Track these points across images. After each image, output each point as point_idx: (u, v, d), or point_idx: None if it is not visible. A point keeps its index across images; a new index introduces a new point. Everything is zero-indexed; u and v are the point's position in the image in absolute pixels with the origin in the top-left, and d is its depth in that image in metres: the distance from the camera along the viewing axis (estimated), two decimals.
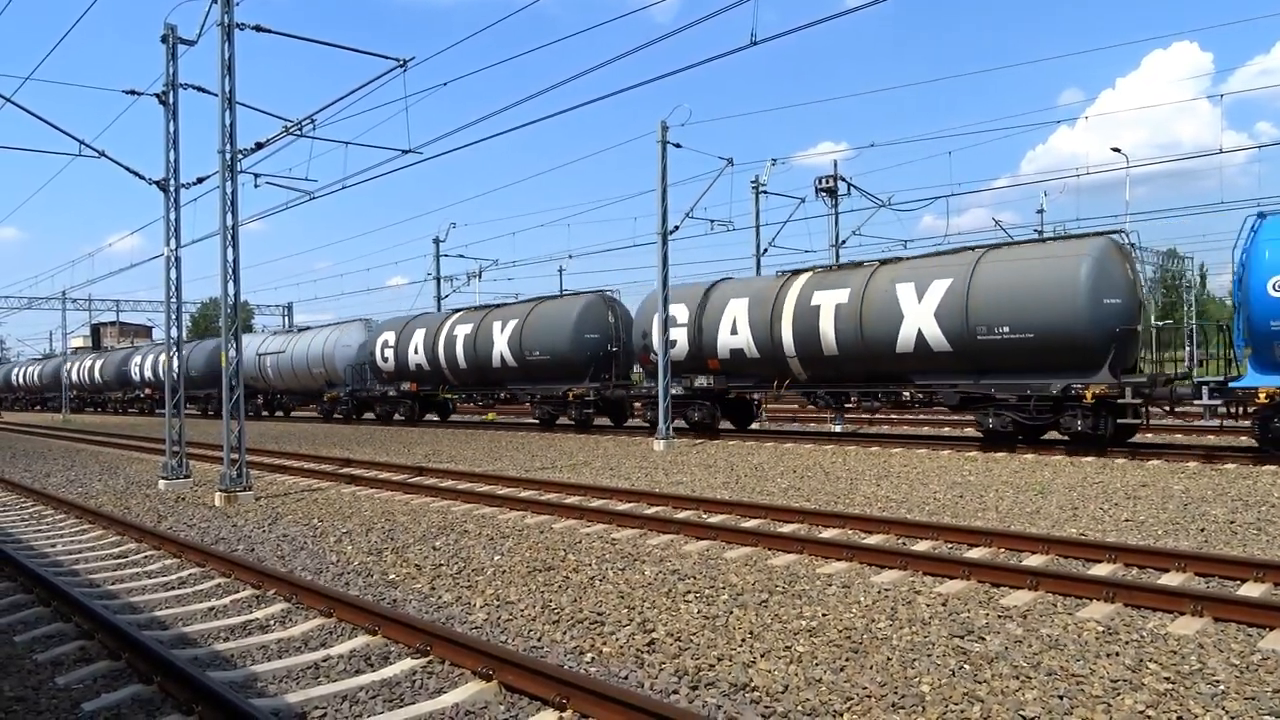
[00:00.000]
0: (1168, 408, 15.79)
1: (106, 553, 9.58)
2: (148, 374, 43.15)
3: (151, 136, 17.70)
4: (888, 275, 17.68)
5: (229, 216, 13.07)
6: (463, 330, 26.96)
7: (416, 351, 28.51)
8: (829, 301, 18.25)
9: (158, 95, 14.56)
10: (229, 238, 13.07)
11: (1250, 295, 13.44)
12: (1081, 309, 14.86)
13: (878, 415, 21.03)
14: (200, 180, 16.33)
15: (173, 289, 15.15)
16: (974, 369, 16.41)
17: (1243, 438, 15.96)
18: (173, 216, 14.91)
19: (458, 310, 29.30)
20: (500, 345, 25.58)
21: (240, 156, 13.84)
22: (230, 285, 13.16)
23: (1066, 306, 14.95)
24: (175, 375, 15.60)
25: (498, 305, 27.67)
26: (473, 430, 26.87)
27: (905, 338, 16.92)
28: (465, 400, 29.18)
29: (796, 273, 19.95)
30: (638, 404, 23.03)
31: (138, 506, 12.87)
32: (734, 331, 20.05)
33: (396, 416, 30.67)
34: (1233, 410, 14.35)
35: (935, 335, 16.48)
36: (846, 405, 19.41)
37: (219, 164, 13.15)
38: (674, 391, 21.11)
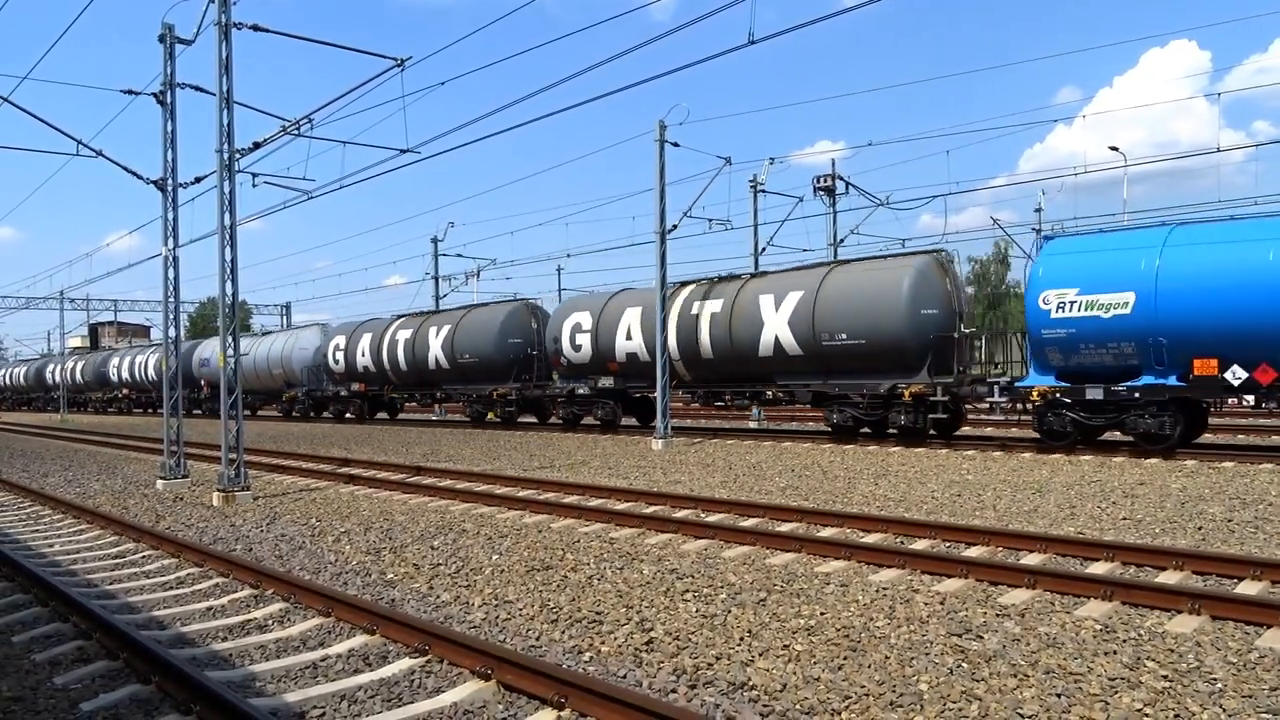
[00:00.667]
0: (986, 404, 17.92)
1: (105, 553, 9.58)
2: (125, 375, 45.15)
3: (149, 136, 17.69)
4: (754, 288, 19.97)
5: (227, 216, 13.06)
6: (404, 335, 29.00)
7: (364, 354, 30.62)
8: (706, 311, 20.55)
9: (155, 95, 14.55)
10: (227, 237, 13.06)
11: (1027, 307, 15.83)
12: (903, 318, 17.08)
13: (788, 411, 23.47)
14: (198, 180, 16.33)
15: (171, 289, 15.14)
16: (822, 371, 18.68)
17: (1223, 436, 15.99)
18: (171, 216, 14.90)
19: (400, 316, 31.06)
20: (435, 349, 27.63)
21: (238, 156, 13.83)
22: (228, 285, 13.15)
23: (891, 316, 17.20)
24: (173, 375, 15.58)
25: (435, 312, 29.92)
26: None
27: (766, 343, 19.23)
28: (409, 399, 31.16)
29: (683, 285, 21.90)
30: (558, 402, 25.04)
31: (136, 506, 12.86)
32: (629, 337, 22.11)
33: (348, 415, 32.82)
34: (1017, 406, 16.75)
35: (790, 341, 18.72)
36: (719, 403, 21.76)
37: (217, 163, 13.14)
38: (581, 391, 23.63)
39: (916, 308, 17.03)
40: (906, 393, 17.16)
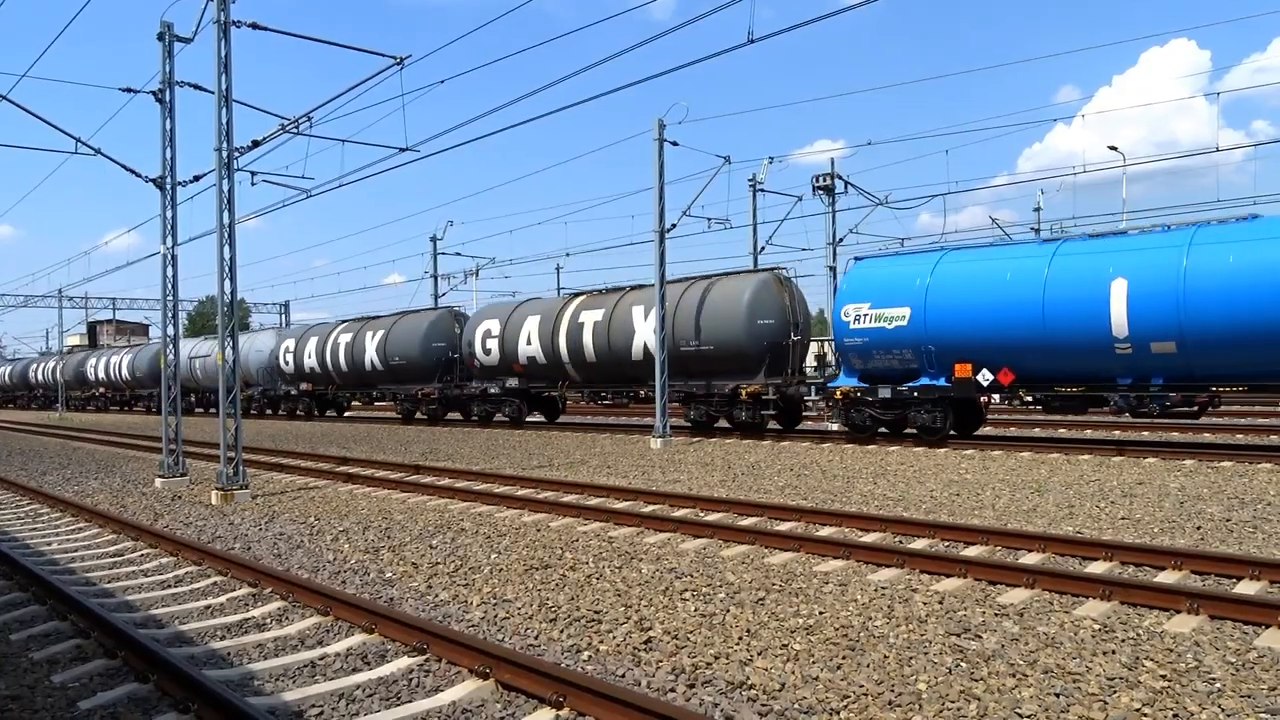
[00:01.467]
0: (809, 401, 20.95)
1: (103, 551, 9.57)
2: (100, 375, 48.97)
3: (148, 134, 17.69)
4: (629, 299, 22.52)
5: (226, 214, 13.05)
6: (345, 339, 31.55)
7: (310, 357, 33.24)
8: (590, 320, 23.12)
9: (154, 93, 14.53)
10: (226, 235, 13.05)
11: (834, 319, 18.59)
12: (742, 328, 19.79)
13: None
14: (197, 178, 16.29)
15: (169, 287, 15.12)
16: (682, 373, 21.11)
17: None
18: (169, 214, 14.88)
19: (343, 321, 33.55)
20: (370, 352, 30.21)
21: (237, 154, 13.81)
22: (227, 283, 13.14)
23: (733, 325, 19.92)
24: (171, 373, 15.57)
25: (374, 317, 31.82)
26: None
27: (637, 349, 21.86)
28: (352, 399, 34.58)
29: (574, 296, 24.67)
30: (475, 400, 27.67)
31: (134, 505, 12.85)
32: (529, 343, 24.66)
33: (299, 412, 35.36)
34: (829, 404, 19.10)
35: (655, 347, 20.69)
36: (603, 400, 24.65)
37: (216, 162, 13.12)
38: (493, 390, 26.30)
39: (754, 318, 19.71)
40: (744, 392, 19.86)
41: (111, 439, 26.09)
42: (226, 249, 13.05)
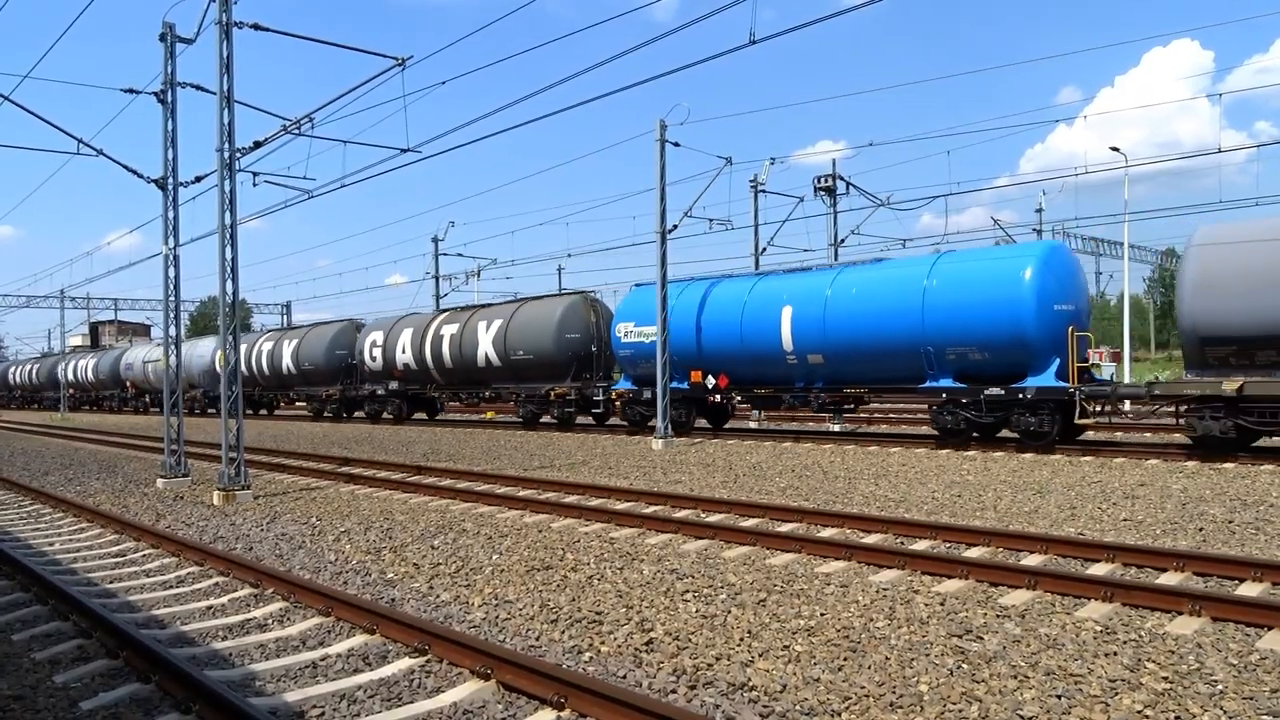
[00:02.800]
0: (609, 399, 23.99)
1: (105, 551, 9.58)
2: (71, 377, 53.63)
3: (150, 135, 17.70)
4: (477, 316, 27.21)
5: (227, 215, 13.06)
6: (267, 346, 36.49)
7: (242, 361, 35.64)
8: (448, 333, 27.61)
9: (156, 94, 14.54)
10: (227, 236, 13.06)
11: (612, 334, 23.01)
12: (551, 340, 24.35)
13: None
14: (199, 179, 16.32)
15: (171, 287, 15.13)
16: (514, 378, 25.82)
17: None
18: (171, 215, 14.90)
19: (268, 331, 39.91)
20: (287, 359, 34.77)
21: (239, 155, 13.83)
22: (229, 284, 13.15)
23: (547, 338, 24.41)
24: (174, 375, 15.59)
25: (294, 327, 36.70)
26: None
27: (480, 357, 26.39)
28: (277, 399, 39.22)
29: (439, 313, 29.64)
30: (367, 401, 32.22)
31: (136, 505, 12.86)
32: (404, 351, 29.19)
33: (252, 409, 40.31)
34: (614, 402, 23.25)
35: (495, 356, 25.85)
36: (462, 400, 29.06)
37: (217, 162, 13.13)
38: (380, 392, 30.94)
39: (563, 333, 24.21)
40: (553, 393, 24.49)
41: (113, 439, 26.11)
42: (228, 250, 13.06)
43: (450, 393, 29.16)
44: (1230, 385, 13.81)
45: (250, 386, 36.18)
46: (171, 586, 7.85)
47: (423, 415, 31.75)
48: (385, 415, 31.11)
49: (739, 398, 21.23)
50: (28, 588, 7.52)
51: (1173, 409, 15.47)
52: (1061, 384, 15.58)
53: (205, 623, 6.61)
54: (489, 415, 31.57)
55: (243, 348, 34.83)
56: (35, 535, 10.70)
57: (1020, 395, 15.89)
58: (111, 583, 8.04)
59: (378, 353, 30.35)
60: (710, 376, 20.52)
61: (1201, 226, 15.02)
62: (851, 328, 17.82)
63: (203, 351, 39.13)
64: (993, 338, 16.12)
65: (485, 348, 26.11)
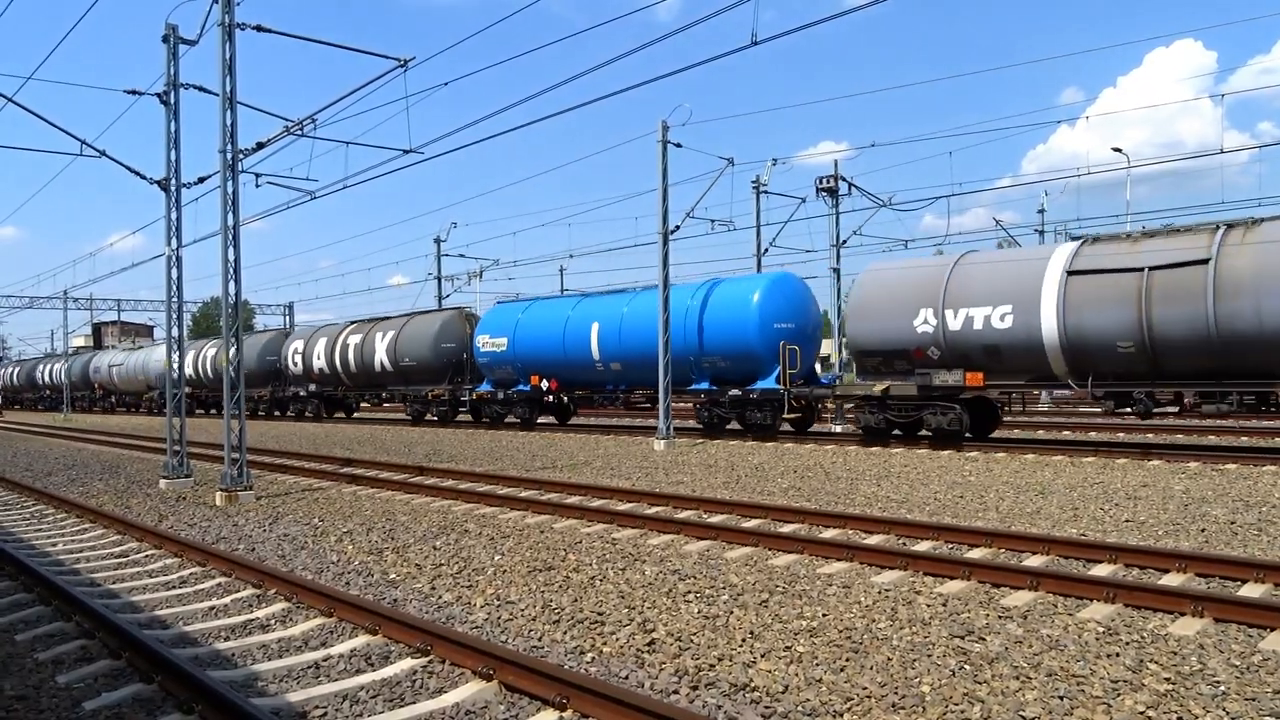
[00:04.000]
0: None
1: (107, 552, 9.59)
2: (45, 379, 59.20)
3: (153, 136, 17.71)
4: (376, 328, 31.05)
5: (230, 216, 13.07)
6: (210, 351, 40.30)
7: (189, 366, 40.98)
8: (353, 341, 31.62)
9: (159, 95, 14.56)
10: (230, 237, 13.07)
11: (473, 343, 27.20)
12: (430, 349, 28.34)
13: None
14: (201, 180, 16.35)
15: (174, 288, 15.16)
16: (403, 381, 29.80)
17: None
18: (174, 216, 14.92)
19: (200, 338, 45.36)
20: (209, 362, 39.68)
21: (241, 156, 13.85)
22: (231, 285, 13.17)
23: (427, 347, 28.37)
24: (176, 375, 15.61)
25: (215, 337, 39.89)
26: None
27: (378, 363, 30.30)
28: (218, 400, 42.48)
29: (349, 324, 33.01)
30: (292, 401, 36.42)
31: (138, 506, 12.87)
32: (319, 358, 33.23)
33: (197, 409, 44.41)
34: (476, 401, 27.51)
35: (386, 362, 29.89)
36: (364, 400, 34.41)
37: (220, 164, 13.15)
38: (302, 393, 35.02)
39: (440, 343, 28.11)
40: (430, 394, 28.61)
41: (116, 440, 26.14)
42: (231, 251, 13.07)
43: (357, 394, 33.53)
44: (879, 387, 17.83)
45: (199, 389, 41.06)
46: (174, 587, 7.86)
47: (341, 415, 35.98)
48: (306, 414, 35.39)
49: (565, 398, 26.08)
50: (31, 588, 7.53)
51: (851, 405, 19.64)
52: (777, 386, 19.61)
53: (208, 623, 6.62)
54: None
55: (191, 353, 40.08)
56: (38, 536, 10.71)
57: (751, 395, 20.29)
58: (114, 583, 8.05)
59: (299, 359, 34.58)
60: (544, 380, 24.86)
61: (873, 263, 19.61)
62: (640, 340, 21.78)
63: (159, 357, 43.48)
64: (732, 349, 20.52)
65: (380, 355, 30.16)
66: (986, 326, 16.34)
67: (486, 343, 26.50)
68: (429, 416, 29.64)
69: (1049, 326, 15.58)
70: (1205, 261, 14.09)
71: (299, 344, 34.57)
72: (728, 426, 21.56)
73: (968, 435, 17.50)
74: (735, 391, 20.47)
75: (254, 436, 23.23)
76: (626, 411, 28.60)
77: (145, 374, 45.01)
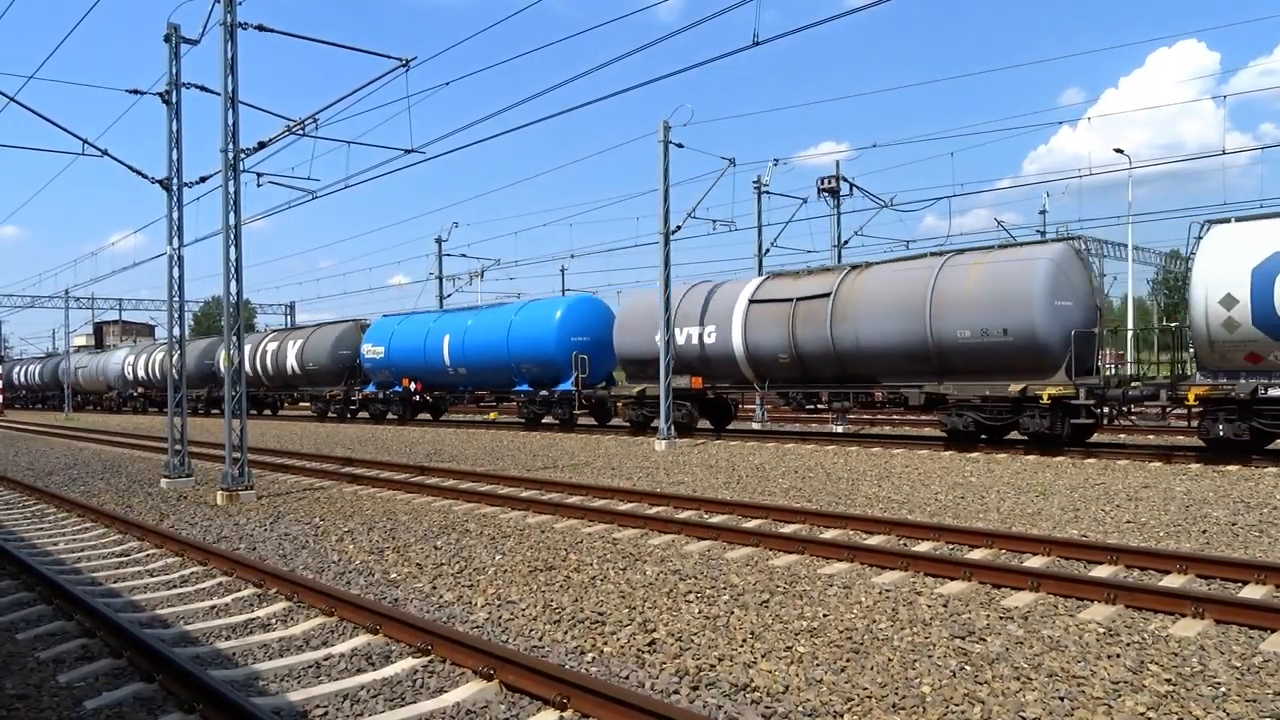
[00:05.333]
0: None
1: (108, 551, 9.60)
2: (22, 380, 63.79)
3: (154, 135, 17.73)
4: (290, 336, 35.90)
5: (231, 215, 13.08)
6: (158, 356, 44.27)
7: (141, 368, 46.40)
8: (271, 348, 36.22)
9: (161, 94, 14.57)
10: (231, 237, 13.08)
11: (360, 352, 31.91)
12: (328, 354, 33.06)
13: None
14: (203, 179, 16.34)
15: (175, 288, 15.16)
16: (309, 383, 34.76)
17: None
18: (175, 215, 14.92)
19: (157, 342, 50.08)
20: (157, 366, 43.89)
21: (243, 156, 13.85)
22: (233, 284, 13.18)
23: (325, 353, 33.18)
24: (177, 374, 15.61)
25: (161, 343, 45.40)
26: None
27: (289, 367, 34.75)
28: (162, 400, 45.61)
29: (272, 331, 38.24)
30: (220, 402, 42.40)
31: (140, 505, 12.88)
32: (244, 361, 32.24)
33: (134, 408, 49.02)
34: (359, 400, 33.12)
35: (296, 366, 34.38)
36: (280, 399, 39.22)
37: (221, 163, 13.16)
38: (219, 395, 35.65)
39: (337, 350, 33.04)
40: (329, 394, 33.76)
41: (117, 440, 26.15)
42: (232, 250, 13.08)
43: (275, 394, 37.94)
44: (636, 389, 22.52)
45: (150, 389, 45.77)
46: (175, 586, 7.86)
47: (269, 413, 40.47)
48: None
49: (428, 397, 30.47)
50: (32, 587, 7.54)
51: (632, 402, 23.18)
52: (571, 389, 24.29)
53: (209, 622, 6.62)
54: (492, 416, 32.16)
55: (143, 357, 44.83)
56: (39, 535, 10.72)
57: (554, 395, 25.07)
58: (115, 582, 8.06)
59: (137, 366, 42.84)
60: (411, 382, 29.36)
61: (629, 290, 25.66)
62: (480, 350, 26.87)
63: (116, 360, 49.58)
64: (540, 358, 25.18)
65: (291, 360, 34.59)
66: (701, 342, 21.12)
67: (370, 350, 31.10)
68: (330, 414, 34.30)
69: (738, 342, 20.30)
70: (828, 295, 18.57)
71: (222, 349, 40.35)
72: (543, 420, 26.25)
73: (710, 426, 23.17)
74: (544, 392, 25.43)
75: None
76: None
77: (105, 376, 50.94)
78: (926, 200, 29.43)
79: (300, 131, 14.74)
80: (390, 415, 31.32)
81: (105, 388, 50.95)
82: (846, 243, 28.53)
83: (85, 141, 15.84)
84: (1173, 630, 5.76)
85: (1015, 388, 15.81)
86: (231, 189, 13.08)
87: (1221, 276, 13.66)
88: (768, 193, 28.67)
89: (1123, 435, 19.43)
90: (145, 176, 15.50)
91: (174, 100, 14.50)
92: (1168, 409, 16.01)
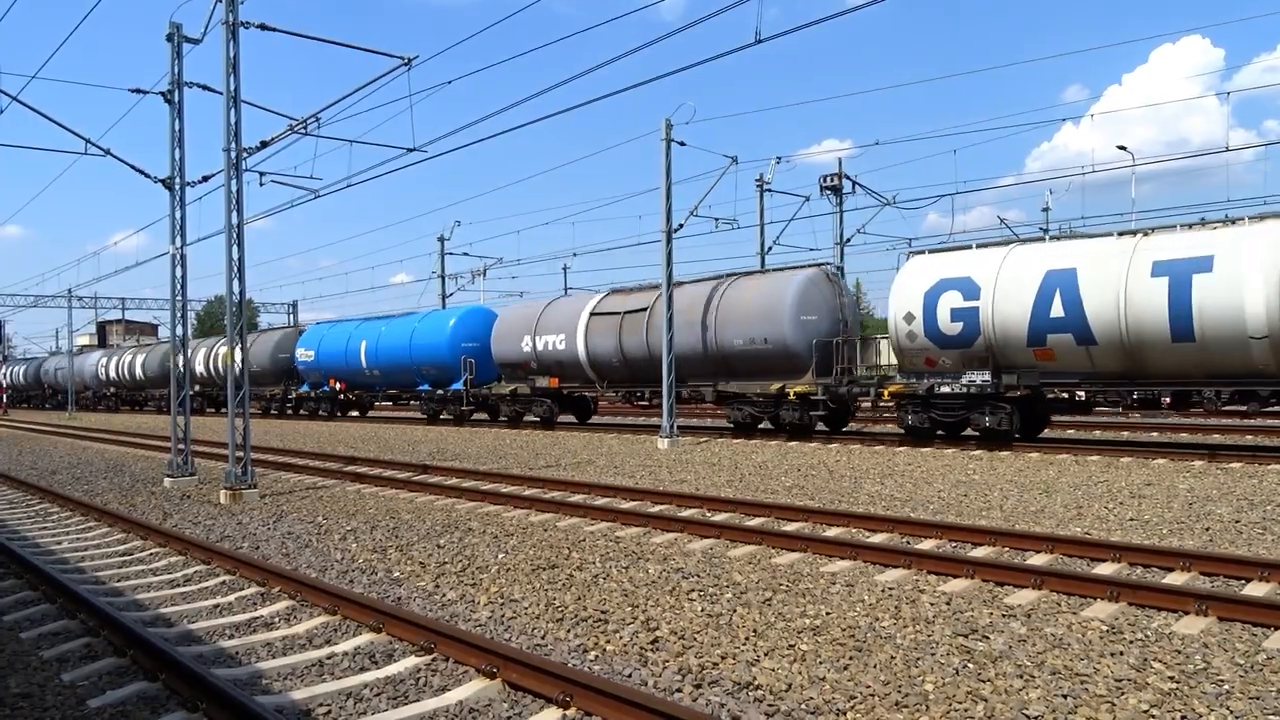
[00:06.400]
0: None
1: (112, 550, 9.62)
2: (8, 381, 66.00)
3: (157, 135, 17.75)
4: (219, 341, 37.16)
5: (234, 215, 13.09)
6: (127, 358, 48.72)
7: (114, 369, 50.50)
8: (223, 351, 34.24)
9: (163, 94, 14.57)
10: (234, 236, 13.09)
11: (295, 355, 35.56)
12: (270, 357, 36.13)
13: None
14: (206, 178, 16.36)
15: (178, 287, 15.18)
16: (254, 383, 33.84)
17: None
18: (178, 215, 14.93)
19: (125, 346, 54.57)
20: (138, 368, 47.23)
21: (245, 155, 13.85)
22: (235, 283, 13.19)
23: (267, 356, 36.11)
24: (181, 374, 15.62)
25: (112, 348, 51.29)
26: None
27: (255, 369, 36.28)
28: (123, 399, 52.91)
29: (223, 336, 35.77)
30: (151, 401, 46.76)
31: (143, 504, 12.90)
32: (200, 363, 39.97)
33: (104, 406, 54.14)
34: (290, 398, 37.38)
35: (256, 369, 35.05)
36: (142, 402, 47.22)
37: (224, 162, 13.17)
38: (191, 392, 44.80)
39: (277, 353, 36.10)
40: (270, 394, 37.00)
41: (121, 439, 26.19)
42: (235, 249, 13.09)
43: (224, 392, 41.24)
44: (509, 388, 26.30)
45: (123, 389, 50.64)
46: (178, 585, 7.88)
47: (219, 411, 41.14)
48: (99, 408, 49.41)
49: (352, 396, 33.58)
50: (36, 586, 7.56)
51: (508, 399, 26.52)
52: (461, 388, 27.37)
53: (212, 621, 6.63)
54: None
55: (114, 358, 49.46)
56: (43, 534, 10.74)
57: (449, 394, 28.19)
58: (119, 581, 8.07)
59: (109, 368, 48.75)
60: (335, 382, 32.94)
61: (504, 308, 28.75)
62: (389, 354, 30.29)
63: (91, 361, 54.54)
64: (436, 361, 28.40)
65: (201, 364, 39.16)
66: (555, 348, 24.56)
67: (303, 354, 34.47)
68: (272, 411, 37.59)
69: (582, 348, 23.89)
70: (645, 309, 22.15)
71: (189, 353, 43.73)
72: (441, 417, 29.48)
73: (574, 420, 26.85)
74: (440, 391, 28.55)
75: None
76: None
77: (81, 377, 55.95)
78: (929, 198, 29.46)
79: (302, 130, 14.75)
80: (321, 412, 34.81)
81: (82, 387, 55.73)
82: (849, 241, 28.53)
83: (88, 141, 15.85)
84: (1176, 628, 5.76)
85: (775, 386, 19.59)
86: (234, 188, 13.09)
87: (906, 297, 17.06)
88: (770, 191, 28.69)
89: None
90: (148, 176, 15.52)
91: (176, 99, 14.51)
92: (878, 403, 19.70)
